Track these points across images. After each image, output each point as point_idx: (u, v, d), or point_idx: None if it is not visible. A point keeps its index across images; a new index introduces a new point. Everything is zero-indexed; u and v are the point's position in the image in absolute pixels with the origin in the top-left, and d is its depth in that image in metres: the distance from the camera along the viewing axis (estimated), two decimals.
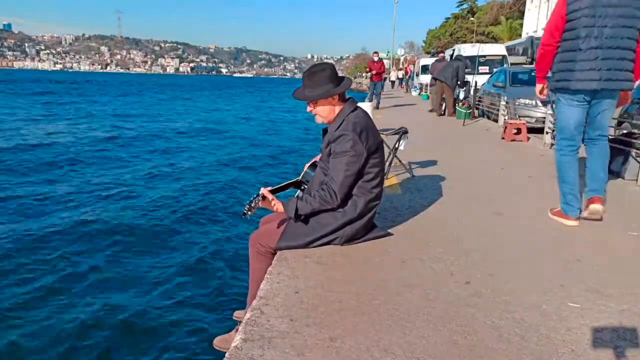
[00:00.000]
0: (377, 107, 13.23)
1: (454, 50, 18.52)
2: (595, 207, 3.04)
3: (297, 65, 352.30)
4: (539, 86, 3.25)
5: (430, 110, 12.57)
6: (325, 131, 2.55)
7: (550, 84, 3.13)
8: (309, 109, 2.48)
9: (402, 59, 45.20)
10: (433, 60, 12.95)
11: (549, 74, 3.13)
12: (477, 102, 11.17)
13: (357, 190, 2.43)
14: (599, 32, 2.78)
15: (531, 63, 17.76)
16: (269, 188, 2.45)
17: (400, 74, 30.80)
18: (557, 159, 3.16)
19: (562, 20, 2.88)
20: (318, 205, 2.35)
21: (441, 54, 14.14)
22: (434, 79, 11.65)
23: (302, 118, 25.69)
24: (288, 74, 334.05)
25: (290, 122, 25.20)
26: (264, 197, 2.36)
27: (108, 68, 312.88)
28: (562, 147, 3.11)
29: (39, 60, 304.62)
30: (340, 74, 2.55)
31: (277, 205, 2.38)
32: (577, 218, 3.07)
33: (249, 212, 2.30)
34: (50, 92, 45.53)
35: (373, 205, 2.51)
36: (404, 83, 28.60)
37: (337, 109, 2.45)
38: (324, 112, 2.45)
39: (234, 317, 2.62)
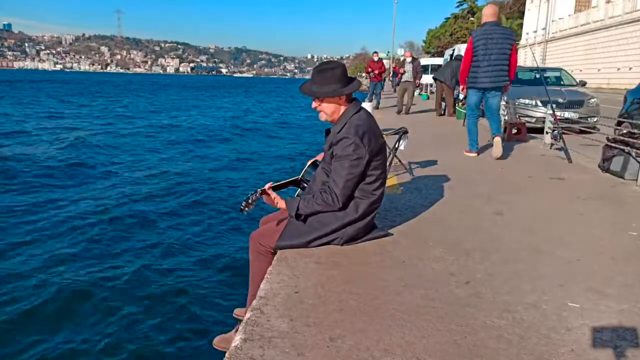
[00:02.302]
0: (377, 107, 13.21)
1: (453, 50, 18.47)
2: (497, 139, 5.40)
3: (297, 65, 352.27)
4: (462, 87, 5.81)
5: (398, 112, 11.89)
6: (328, 132, 2.55)
7: (467, 83, 5.58)
8: (314, 105, 2.48)
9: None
10: (432, 60, 12.79)
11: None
12: None
13: (359, 192, 2.43)
14: (489, 57, 5.25)
15: None
16: (269, 184, 2.46)
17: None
18: (468, 122, 5.79)
19: (471, 52, 5.37)
20: (320, 207, 2.37)
21: (406, 52, 13.60)
22: (436, 79, 11.55)
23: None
24: (288, 74, 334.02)
25: None
26: (263, 193, 2.38)
27: (108, 68, 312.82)
28: (470, 116, 5.72)
29: (39, 61, 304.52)
30: None
31: (279, 202, 2.40)
32: (477, 152, 5.74)
33: (247, 208, 2.32)
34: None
35: (375, 207, 2.51)
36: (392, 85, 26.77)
37: (342, 109, 2.45)
38: (329, 110, 2.45)
39: (233, 315, 2.62)
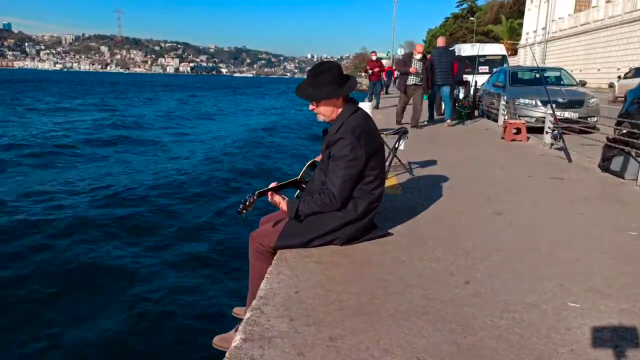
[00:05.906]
0: (376, 107, 13.20)
1: (454, 50, 18.41)
2: (450, 122, 9.29)
3: (297, 65, 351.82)
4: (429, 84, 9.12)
5: (398, 123, 8.94)
6: (325, 132, 2.56)
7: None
8: (311, 107, 2.48)
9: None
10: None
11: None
12: (477, 102, 11.15)
13: (358, 192, 2.43)
14: (441, 65, 8.99)
15: None
16: (272, 185, 2.47)
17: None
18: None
19: (432, 63, 8.97)
20: (319, 208, 2.38)
21: (418, 45, 9.78)
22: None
23: None
24: (288, 74, 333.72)
25: None
26: (261, 195, 2.38)
27: (108, 68, 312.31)
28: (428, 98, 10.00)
29: (39, 60, 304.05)
30: None
31: (282, 204, 2.42)
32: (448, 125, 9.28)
33: (244, 211, 2.32)
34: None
35: (374, 206, 2.51)
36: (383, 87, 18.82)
37: (339, 109, 2.46)
38: (327, 112, 2.46)
39: (233, 314, 2.62)
